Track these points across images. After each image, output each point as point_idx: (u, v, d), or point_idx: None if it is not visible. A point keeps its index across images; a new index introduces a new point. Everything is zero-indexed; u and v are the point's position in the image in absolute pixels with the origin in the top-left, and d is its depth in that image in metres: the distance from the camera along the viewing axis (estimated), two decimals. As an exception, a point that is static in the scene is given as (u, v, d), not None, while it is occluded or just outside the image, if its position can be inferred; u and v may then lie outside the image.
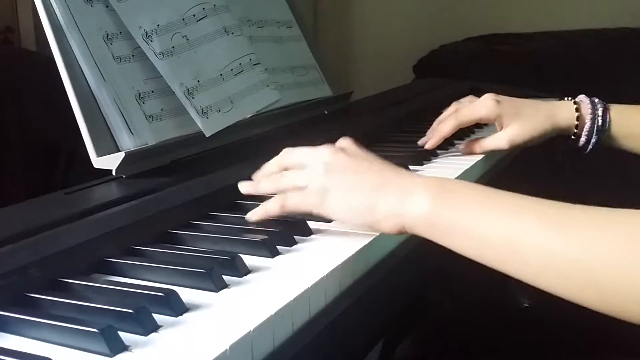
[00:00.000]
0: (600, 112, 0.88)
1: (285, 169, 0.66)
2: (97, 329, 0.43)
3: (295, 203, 0.63)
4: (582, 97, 0.91)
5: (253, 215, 0.65)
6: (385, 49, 2.52)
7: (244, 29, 0.97)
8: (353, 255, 0.59)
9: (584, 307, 0.65)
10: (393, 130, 1.12)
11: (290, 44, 1.09)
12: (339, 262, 0.57)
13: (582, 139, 0.90)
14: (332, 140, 0.98)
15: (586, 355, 0.88)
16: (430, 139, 0.96)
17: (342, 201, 0.60)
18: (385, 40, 2.53)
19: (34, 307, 0.49)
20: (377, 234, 0.63)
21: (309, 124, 1.06)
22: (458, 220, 0.55)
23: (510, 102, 0.93)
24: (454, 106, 0.97)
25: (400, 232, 0.59)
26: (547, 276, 0.51)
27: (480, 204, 0.55)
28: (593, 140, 0.89)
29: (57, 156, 1.05)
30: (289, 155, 0.67)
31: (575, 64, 1.98)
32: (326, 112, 1.14)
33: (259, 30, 1.02)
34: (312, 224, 0.66)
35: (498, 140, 0.92)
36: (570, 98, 0.92)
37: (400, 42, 2.47)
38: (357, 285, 0.59)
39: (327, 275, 0.55)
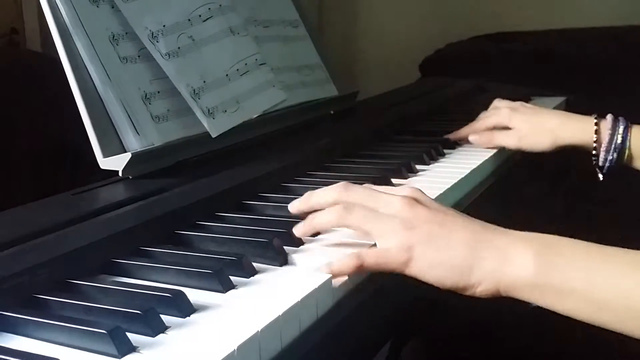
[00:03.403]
0: (620, 130, 0.86)
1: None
2: (105, 330, 0.43)
3: (377, 262, 0.56)
4: (608, 118, 0.90)
5: (299, 232, 0.60)
6: (391, 48, 2.51)
7: (250, 29, 0.96)
8: (360, 255, 0.59)
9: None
10: (399, 129, 1.12)
11: (296, 44, 1.09)
12: (347, 263, 0.57)
13: (601, 157, 0.89)
14: (340, 139, 0.98)
15: (593, 358, 0.88)
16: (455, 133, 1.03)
17: (430, 259, 0.55)
18: (391, 39, 2.53)
19: (42, 308, 0.49)
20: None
21: (315, 124, 1.06)
22: (569, 282, 0.52)
23: (524, 109, 0.98)
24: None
25: (494, 296, 0.55)
26: None
27: (592, 262, 0.52)
28: (610, 158, 0.87)
29: (63, 157, 1.06)
30: (351, 192, 0.60)
31: (582, 62, 1.97)
32: (332, 112, 1.14)
33: (264, 30, 1.02)
34: (319, 224, 0.65)
35: (507, 138, 0.96)
36: (595, 116, 0.91)
37: (406, 41, 2.46)
38: (365, 285, 0.59)
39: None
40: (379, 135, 1.06)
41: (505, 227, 0.58)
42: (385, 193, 0.60)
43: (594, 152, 0.89)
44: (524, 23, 2.24)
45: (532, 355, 0.89)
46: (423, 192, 0.61)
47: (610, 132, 0.87)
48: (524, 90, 1.51)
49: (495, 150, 0.97)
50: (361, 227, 0.58)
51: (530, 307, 1.03)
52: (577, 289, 0.52)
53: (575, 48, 2.04)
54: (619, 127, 0.87)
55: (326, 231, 0.63)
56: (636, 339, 0.53)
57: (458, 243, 0.55)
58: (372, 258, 0.56)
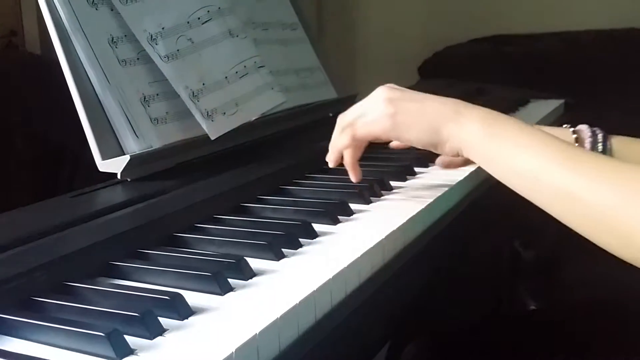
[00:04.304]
0: (600, 138, 0.82)
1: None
2: (103, 333, 0.43)
3: (366, 130, 0.71)
4: (581, 126, 0.84)
5: (331, 161, 0.76)
6: (389, 50, 2.52)
7: (249, 32, 0.97)
8: (359, 257, 0.59)
9: (590, 309, 0.66)
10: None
11: (294, 46, 1.09)
12: (345, 265, 0.57)
13: None
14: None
15: (593, 357, 0.88)
16: None
17: (411, 123, 0.69)
18: (390, 42, 2.53)
19: (40, 311, 0.49)
20: (383, 237, 0.63)
21: (313, 126, 1.06)
22: (498, 151, 0.64)
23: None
24: None
25: (458, 155, 0.68)
26: (556, 205, 0.60)
27: (518, 139, 0.63)
28: None
29: (62, 160, 1.06)
30: (344, 116, 0.75)
31: (580, 64, 1.98)
32: (331, 115, 1.14)
33: (263, 33, 1.02)
34: (317, 227, 0.66)
35: None
36: (569, 126, 0.85)
37: (405, 44, 2.46)
38: (363, 288, 0.59)
39: (332, 278, 0.55)
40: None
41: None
42: (369, 95, 0.74)
43: None
44: (522, 26, 2.24)
45: (533, 354, 0.90)
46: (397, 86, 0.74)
47: (591, 140, 0.82)
48: (522, 92, 1.51)
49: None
50: (363, 126, 0.72)
51: (530, 307, 1.04)
52: (504, 158, 0.63)
53: (572, 50, 2.04)
54: (598, 136, 0.82)
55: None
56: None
57: (430, 110, 0.68)
58: (362, 128, 0.72)
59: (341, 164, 0.77)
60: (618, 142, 0.82)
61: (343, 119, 0.75)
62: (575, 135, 0.83)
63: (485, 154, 0.65)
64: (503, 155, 0.64)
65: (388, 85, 0.74)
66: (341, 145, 0.74)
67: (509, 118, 0.67)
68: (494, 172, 0.65)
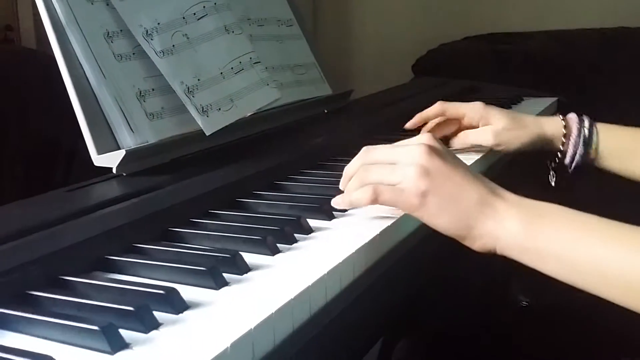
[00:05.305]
0: (586, 124, 0.89)
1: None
2: (98, 327, 0.43)
3: (390, 199, 0.63)
4: (571, 115, 0.92)
5: (338, 205, 0.67)
6: (384, 48, 2.52)
7: (244, 28, 0.97)
8: (353, 253, 0.59)
9: (583, 307, 0.66)
10: (392, 129, 1.12)
11: (290, 43, 1.09)
12: (340, 261, 0.57)
13: (569, 153, 0.90)
14: (333, 138, 0.98)
15: (585, 353, 0.89)
16: (412, 120, 0.98)
17: (440, 209, 0.61)
18: (385, 39, 2.53)
19: (35, 305, 0.49)
20: (377, 233, 0.63)
21: (308, 123, 1.06)
22: (551, 247, 0.58)
23: (499, 109, 0.95)
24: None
25: (490, 252, 0.61)
26: (630, 297, 0.55)
27: (570, 231, 0.58)
28: (579, 153, 0.89)
29: (57, 154, 1.05)
30: (371, 153, 0.67)
31: (574, 63, 1.99)
32: (326, 111, 1.15)
33: (259, 29, 1.02)
34: (312, 222, 0.66)
35: (483, 134, 0.92)
36: (559, 114, 0.94)
37: (400, 41, 2.47)
38: (358, 283, 0.59)
39: (327, 273, 0.55)
40: (372, 134, 1.06)
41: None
42: (404, 145, 0.65)
43: (561, 147, 0.90)
44: (516, 24, 2.25)
45: (524, 351, 0.90)
46: (437, 141, 0.66)
47: (577, 125, 0.89)
48: (515, 90, 1.52)
49: (483, 153, 0.95)
50: (387, 194, 0.62)
51: (522, 304, 1.04)
52: (558, 254, 0.58)
53: (565, 49, 2.05)
54: (584, 122, 0.90)
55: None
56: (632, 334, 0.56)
57: (466, 201, 0.61)
58: (387, 195, 0.62)
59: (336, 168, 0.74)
60: (603, 128, 0.89)
61: (368, 161, 0.67)
62: (564, 123, 0.90)
63: (535, 253, 0.59)
64: (558, 251, 0.58)
65: (430, 143, 0.64)
66: (357, 202, 0.65)
67: (547, 206, 0.61)
68: (547, 270, 0.59)
